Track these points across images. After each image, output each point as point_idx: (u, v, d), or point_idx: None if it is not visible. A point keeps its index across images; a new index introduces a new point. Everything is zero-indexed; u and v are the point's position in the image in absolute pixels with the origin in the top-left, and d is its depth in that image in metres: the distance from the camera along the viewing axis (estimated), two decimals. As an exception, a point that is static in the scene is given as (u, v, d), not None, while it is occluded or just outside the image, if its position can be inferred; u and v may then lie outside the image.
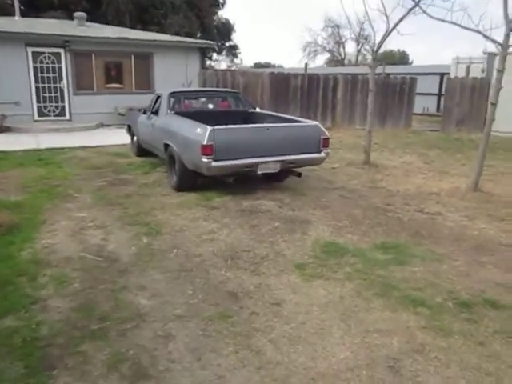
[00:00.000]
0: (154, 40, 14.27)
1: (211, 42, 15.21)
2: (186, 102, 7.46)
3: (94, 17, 19.13)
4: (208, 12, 29.37)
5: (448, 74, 18.54)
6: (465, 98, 14.34)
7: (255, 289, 3.53)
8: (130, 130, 9.39)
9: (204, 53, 16.17)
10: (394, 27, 7.40)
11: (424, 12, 6.11)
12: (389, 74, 18.26)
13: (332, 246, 4.43)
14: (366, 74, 16.89)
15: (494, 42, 6.12)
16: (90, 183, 6.93)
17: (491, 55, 13.97)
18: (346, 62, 44.47)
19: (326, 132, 6.21)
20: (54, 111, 13.14)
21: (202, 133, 5.46)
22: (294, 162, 6.02)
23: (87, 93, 13.39)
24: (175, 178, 6.45)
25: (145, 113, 7.89)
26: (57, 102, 13.12)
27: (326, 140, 6.15)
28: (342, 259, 4.15)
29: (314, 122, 6.29)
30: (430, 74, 19.36)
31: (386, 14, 7.22)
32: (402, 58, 51.88)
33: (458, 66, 16.29)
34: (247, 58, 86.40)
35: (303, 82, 14.80)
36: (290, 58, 79.40)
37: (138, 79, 14.26)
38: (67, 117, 13.29)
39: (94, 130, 12.75)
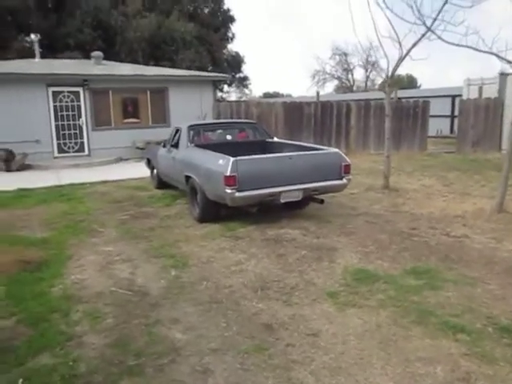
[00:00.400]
0: (169, 75, 14.67)
1: (225, 75, 15.60)
2: (205, 134, 7.59)
3: (108, 55, 19.78)
4: (218, 46, 30.17)
5: (459, 95, 18.62)
6: (479, 118, 14.33)
7: (289, 320, 3.48)
8: (149, 164, 9.54)
9: (215, 85, 16.52)
10: (408, 53, 7.51)
11: (439, 37, 6.22)
12: (400, 99, 18.41)
13: (362, 273, 4.37)
14: (377, 99, 17.09)
15: (510, 62, 6.17)
16: (113, 217, 7.01)
17: (503, 76, 14.03)
18: (355, 88, 44.98)
19: (347, 159, 6.23)
20: (73, 147, 13.45)
21: (224, 164, 5.52)
22: (317, 189, 6.03)
23: (105, 128, 13.71)
24: (197, 210, 6.50)
25: (164, 146, 8.03)
26: (76, 138, 13.45)
27: (347, 166, 6.17)
28: (374, 286, 4.09)
29: (335, 150, 6.33)
30: (441, 97, 19.48)
31: (399, 42, 7.35)
32: (410, 82, 52.28)
33: (469, 88, 16.37)
34: (257, 88, 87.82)
35: (316, 109, 14.98)
36: (298, 86, 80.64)
37: (154, 113, 14.59)
38: (86, 152, 13.58)
39: (113, 165, 12.98)
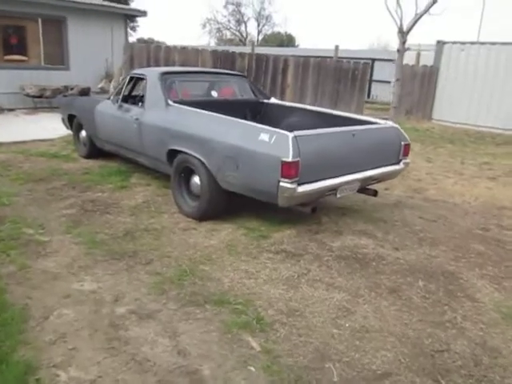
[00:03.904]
0: (69, 1, 11.13)
1: (140, 10, 12.48)
2: (184, 87, 5.27)
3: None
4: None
5: (381, 59, 18.31)
6: (415, 86, 13.93)
7: None
8: (70, 122, 6.76)
9: (127, 21, 13.31)
10: (433, 3, 6.09)
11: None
12: (318, 57, 17.19)
13: (530, 319, 2.97)
14: (314, 56, 15.60)
15: None
16: (51, 211, 4.49)
17: (440, 43, 13.68)
18: (247, 41, 43.18)
19: (407, 136, 4.69)
20: None
21: (277, 142, 3.51)
22: (376, 178, 4.40)
23: (-21, 66, 9.93)
24: (195, 203, 4.39)
25: (117, 101, 5.46)
26: None
27: (407, 147, 4.63)
28: None
29: (392, 124, 4.70)
30: (361, 59, 18.92)
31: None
32: (289, 41, 52.32)
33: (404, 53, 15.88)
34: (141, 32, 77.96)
35: (250, 62, 12.98)
36: (186, 35, 74.06)
37: (48, 51, 11.07)
38: (-50, 98, 9.72)
39: (-5, 118, 9.47)
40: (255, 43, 42.46)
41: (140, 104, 5.21)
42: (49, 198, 4.87)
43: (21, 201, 4.73)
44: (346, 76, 13.90)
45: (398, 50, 6.88)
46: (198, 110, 4.40)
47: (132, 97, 5.63)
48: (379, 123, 4.67)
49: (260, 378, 2.28)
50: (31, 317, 2.69)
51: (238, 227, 4.24)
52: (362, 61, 14.41)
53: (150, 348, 2.46)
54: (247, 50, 16.33)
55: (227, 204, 4.34)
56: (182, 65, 11.62)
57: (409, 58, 15.09)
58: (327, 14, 75.66)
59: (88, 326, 2.62)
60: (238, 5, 41.30)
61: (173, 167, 4.59)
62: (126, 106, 5.37)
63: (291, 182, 3.47)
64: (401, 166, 4.62)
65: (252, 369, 2.34)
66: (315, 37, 71.98)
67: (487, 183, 6.81)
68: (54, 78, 10.90)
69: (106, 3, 12.09)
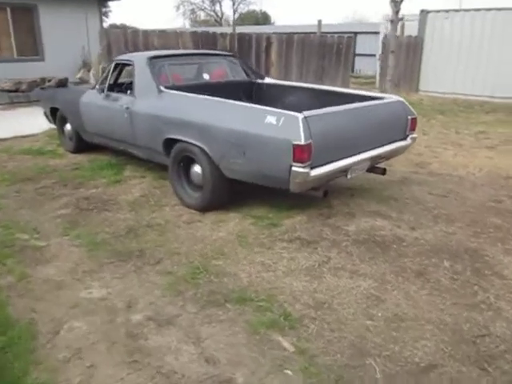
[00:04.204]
0: (38, -13, 10.58)
1: (114, -8, 11.95)
2: (174, 71, 4.97)
3: None
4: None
5: (363, 32, 18.03)
6: (400, 57, 13.71)
7: None
8: (53, 115, 6.40)
9: (101, 6, 12.74)
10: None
11: None
12: (300, 33, 16.83)
13: None
14: (299, 32, 15.20)
15: None
16: (43, 212, 4.21)
17: (424, 13, 13.44)
18: (223, 21, 42.33)
19: (413, 109, 4.49)
20: None
21: (286, 125, 3.29)
22: (385, 155, 4.22)
23: None
24: (198, 194, 4.17)
25: (103, 91, 5.13)
26: None
27: (414, 121, 4.44)
28: None
29: (398, 98, 4.49)
30: (343, 33, 18.62)
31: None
32: (264, 19, 51.46)
33: (389, 24, 15.60)
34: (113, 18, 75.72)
35: (232, 42, 12.59)
36: (159, 18, 72.41)
37: (20, 42, 10.56)
38: None
39: (-30, 115, 8.99)
40: (231, 23, 41.63)
41: (129, 92, 4.91)
42: (40, 198, 4.59)
43: (10, 203, 4.44)
44: (331, 51, 13.61)
45: (392, 21, 6.65)
46: (195, 95, 4.14)
47: (119, 85, 5.32)
48: (385, 98, 4.47)
49: (299, 381, 2.12)
50: (39, 332, 2.47)
51: (244, 216, 4.05)
52: (346, 35, 14.06)
53: (175, 358, 2.27)
54: (226, 29, 15.92)
55: (231, 193, 4.13)
56: (162, 49, 11.19)
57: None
58: (302, -11, 74.47)
59: (104, 339, 2.41)
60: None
61: (170, 157, 4.34)
62: (113, 94, 5.06)
63: (304, 166, 3.26)
64: (408, 141, 4.44)
65: (289, 372, 2.17)
66: (290, 13, 71.08)
67: (487, 153, 6.72)
68: (29, 70, 10.39)
69: (77, -12, 11.51)
